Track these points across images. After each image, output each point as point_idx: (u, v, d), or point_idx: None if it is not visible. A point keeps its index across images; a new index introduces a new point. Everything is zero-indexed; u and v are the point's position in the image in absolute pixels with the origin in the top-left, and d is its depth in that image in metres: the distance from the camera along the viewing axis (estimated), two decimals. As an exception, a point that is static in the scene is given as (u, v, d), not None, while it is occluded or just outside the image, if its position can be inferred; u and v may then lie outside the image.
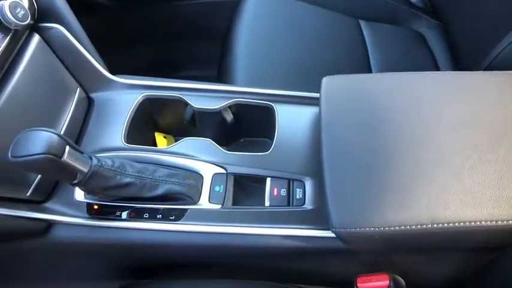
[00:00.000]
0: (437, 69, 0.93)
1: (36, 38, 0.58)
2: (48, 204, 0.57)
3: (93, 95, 0.67)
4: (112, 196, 0.55)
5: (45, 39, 0.60)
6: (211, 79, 0.73)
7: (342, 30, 0.95)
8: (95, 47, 0.67)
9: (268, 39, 0.88)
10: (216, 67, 0.93)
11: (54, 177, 0.57)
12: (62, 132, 0.61)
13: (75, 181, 0.49)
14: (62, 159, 0.45)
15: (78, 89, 0.65)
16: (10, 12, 0.50)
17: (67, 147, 0.45)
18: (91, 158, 0.50)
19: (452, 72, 0.60)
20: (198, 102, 0.65)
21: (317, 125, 0.58)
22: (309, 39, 0.90)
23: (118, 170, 0.52)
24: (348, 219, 0.49)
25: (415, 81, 0.57)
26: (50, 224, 0.56)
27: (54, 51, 0.62)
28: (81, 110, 0.66)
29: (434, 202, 0.47)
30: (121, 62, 0.76)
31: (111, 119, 0.64)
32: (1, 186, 0.52)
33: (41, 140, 0.43)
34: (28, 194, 0.55)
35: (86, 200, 0.57)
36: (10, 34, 0.52)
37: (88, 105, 0.67)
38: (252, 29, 0.89)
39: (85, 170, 0.48)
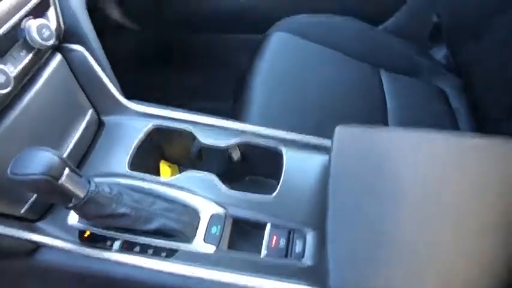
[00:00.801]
0: (458, 128, 0.90)
1: (58, 57, 0.59)
2: (40, 224, 0.56)
3: (104, 118, 0.68)
4: (105, 224, 0.54)
5: (66, 59, 0.61)
6: (224, 112, 0.72)
7: (361, 78, 0.94)
8: (112, 67, 0.68)
9: (286, 79, 0.88)
10: (231, 101, 0.93)
11: (49, 199, 0.56)
12: (68, 151, 0.60)
13: (70, 205, 0.48)
14: (59, 181, 0.44)
15: (91, 110, 0.66)
16: (37, 33, 0.51)
17: (66, 170, 0.45)
18: (89, 183, 0.49)
19: (473, 134, 0.58)
20: (206, 138, 0.64)
21: (325, 175, 0.56)
22: (327, 84, 0.90)
23: (115, 198, 0.51)
24: (347, 283, 0.45)
25: (432, 141, 0.55)
26: (38, 245, 0.54)
27: (73, 72, 0.63)
28: (90, 131, 0.66)
29: (441, 277, 0.43)
30: (136, 83, 0.77)
31: (119, 143, 0.64)
32: None
33: (40, 161, 0.43)
34: (22, 211, 0.54)
35: (78, 225, 0.55)
36: (33, 52, 0.53)
37: (98, 127, 0.67)
38: (271, 68, 0.89)
39: (81, 194, 0.47)
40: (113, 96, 0.67)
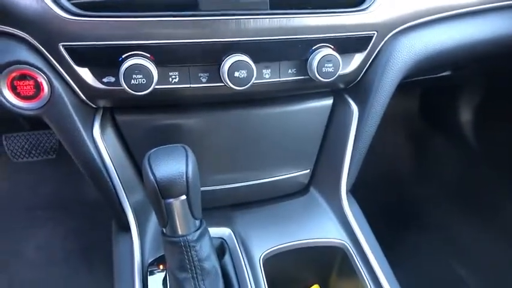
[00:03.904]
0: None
1: (327, 100, 0.50)
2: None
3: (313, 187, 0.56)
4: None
5: (333, 106, 0.50)
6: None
7: None
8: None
9: None
10: None
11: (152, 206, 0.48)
12: (252, 182, 0.52)
13: (163, 229, 0.38)
14: (165, 200, 0.35)
15: (307, 171, 0.55)
16: (317, 61, 0.41)
17: (183, 198, 0.35)
18: (196, 231, 0.37)
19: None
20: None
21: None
22: None
23: (196, 273, 0.37)
24: None
25: None
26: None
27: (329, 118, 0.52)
28: (288, 187, 0.55)
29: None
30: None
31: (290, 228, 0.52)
32: None
33: (167, 166, 0.34)
34: None
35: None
36: (304, 76, 0.43)
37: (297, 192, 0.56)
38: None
39: (178, 232, 0.36)
40: (338, 180, 0.51)
